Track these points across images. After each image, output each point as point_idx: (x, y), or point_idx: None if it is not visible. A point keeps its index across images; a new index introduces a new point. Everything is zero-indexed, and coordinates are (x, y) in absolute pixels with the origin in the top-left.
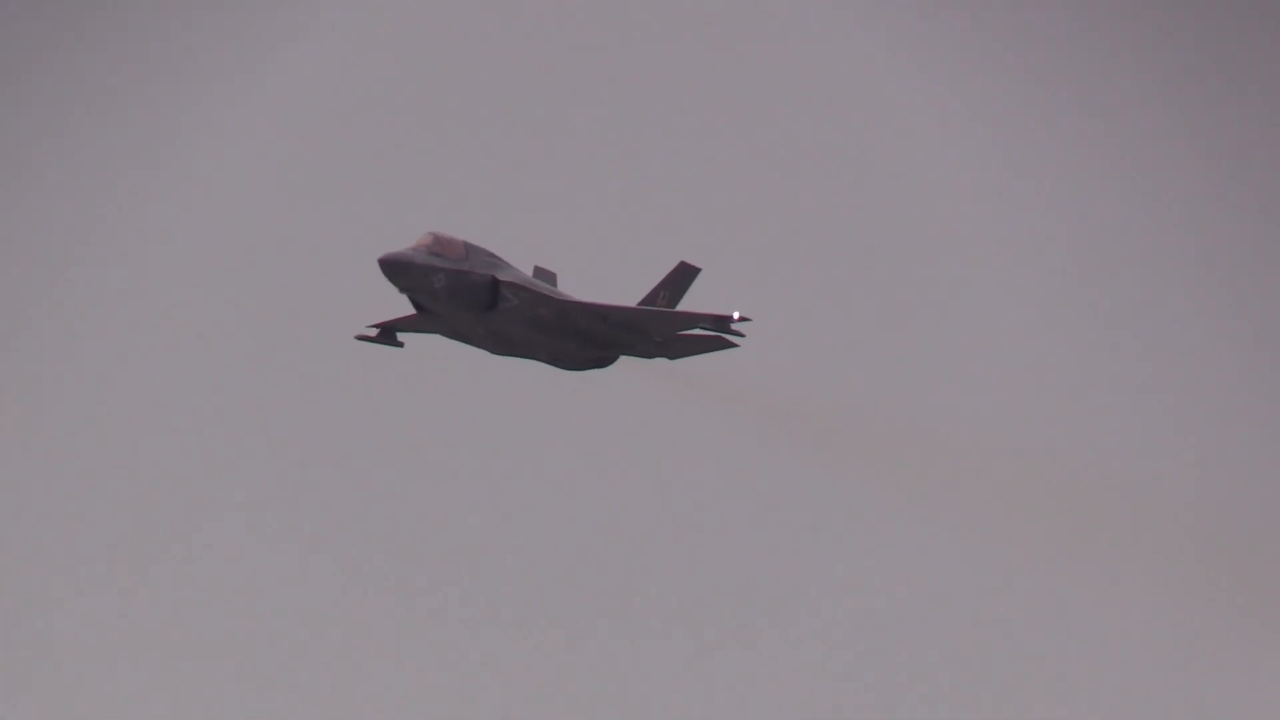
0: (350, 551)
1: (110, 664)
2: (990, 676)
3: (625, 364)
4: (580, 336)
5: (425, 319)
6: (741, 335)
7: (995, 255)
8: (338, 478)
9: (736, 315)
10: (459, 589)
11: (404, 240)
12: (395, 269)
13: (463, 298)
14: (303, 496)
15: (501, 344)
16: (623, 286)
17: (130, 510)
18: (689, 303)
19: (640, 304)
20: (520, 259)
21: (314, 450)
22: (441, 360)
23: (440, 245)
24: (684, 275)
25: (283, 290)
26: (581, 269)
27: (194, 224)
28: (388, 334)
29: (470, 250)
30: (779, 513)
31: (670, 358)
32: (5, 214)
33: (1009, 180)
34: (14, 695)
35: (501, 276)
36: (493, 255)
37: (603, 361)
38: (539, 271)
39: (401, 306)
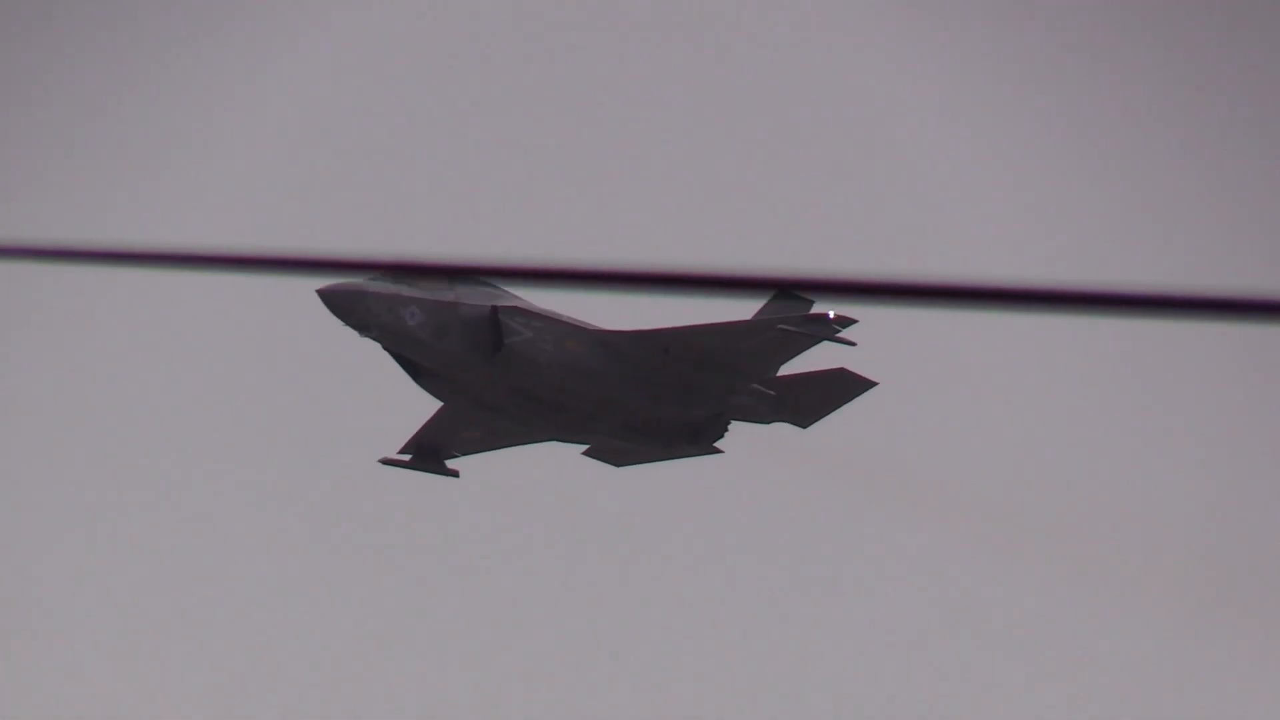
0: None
1: None
2: None
3: (736, 435)
4: (644, 386)
5: (456, 413)
6: (852, 344)
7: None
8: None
9: (833, 315)
10: None
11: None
12: (342, 301)
13: (455, 337)
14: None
15: (534, 409)
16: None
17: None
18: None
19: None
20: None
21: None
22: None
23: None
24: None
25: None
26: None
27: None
28: (429, 455)
29: (457, 279)
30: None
31: (801, 425)
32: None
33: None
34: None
35: (502, 303)
36: (492, 285)
37: (698, 435)
38: None
39: (429, 405)
